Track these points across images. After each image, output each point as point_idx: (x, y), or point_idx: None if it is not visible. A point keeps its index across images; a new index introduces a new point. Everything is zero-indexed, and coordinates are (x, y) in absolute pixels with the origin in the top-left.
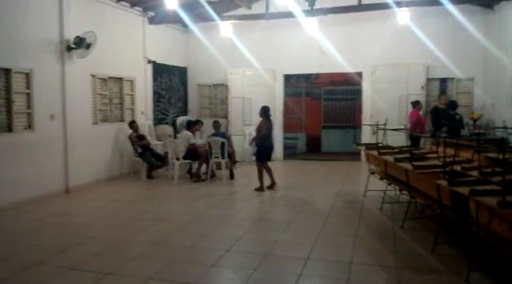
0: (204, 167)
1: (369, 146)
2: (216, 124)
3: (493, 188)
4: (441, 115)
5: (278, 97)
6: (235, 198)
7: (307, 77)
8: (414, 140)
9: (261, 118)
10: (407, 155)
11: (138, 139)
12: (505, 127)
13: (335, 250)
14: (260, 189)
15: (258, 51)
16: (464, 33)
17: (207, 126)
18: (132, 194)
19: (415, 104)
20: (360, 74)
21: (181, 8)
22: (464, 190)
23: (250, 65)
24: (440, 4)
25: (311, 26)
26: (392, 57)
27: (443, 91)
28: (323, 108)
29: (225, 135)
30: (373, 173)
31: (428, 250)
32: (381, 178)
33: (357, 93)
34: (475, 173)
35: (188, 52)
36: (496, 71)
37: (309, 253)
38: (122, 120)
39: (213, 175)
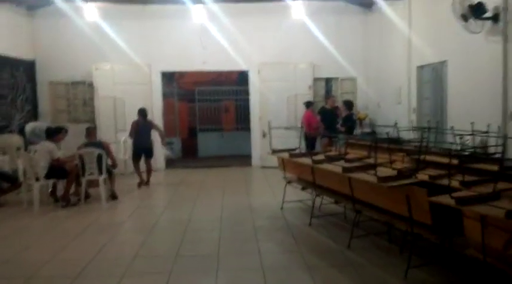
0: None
1: (293, 153)
2: (89, 132)
3: None
4: (329, 116)
5: (156, 97)
6: (129, 226)
7: (170, 77)
8: (310, 142)
9: None
10: (348, 163)
11: None
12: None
13: None
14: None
15: (130, 43)
16: (347, 33)
17: (74, 134)
18: None
19: (309, 105)
20: (246, 73)
21: None
22: (495, 211)
23: (120, 59)
24: None
25: (196, 16)
26: (279, 55)
27: (328, 91)
28: (198, 110)
29: (101, 145)
30: (289, 182)
31: (399, 277)
32: (303, 188)
33: (231, 94)
34: (446, 182)
35: (36, 42)
36: (377, 71)
37: None
38: None
39: (87, 196)
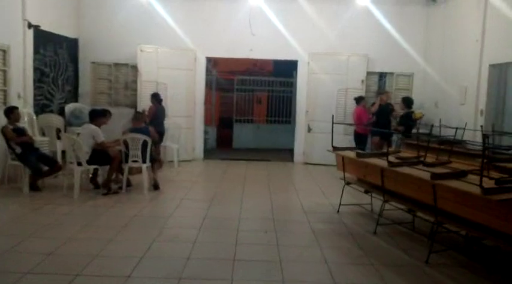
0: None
1: (361, 153)
2: (138, 117)
3: None
4: (383, 113)
5: (199, 84)
6: (176, 221)
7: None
8: (360, 140)
9: None
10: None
11: (17, 135)
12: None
13: None
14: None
15: (176, 25)
16: (407, 25)
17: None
18: (9, 219)
19: (359, 100)
20: (283, 64)
21: None
22: None
23: (165, 42)
24: None
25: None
26: (331, 45)
27: (381, 87)
28: (235, 100)
29: (147, 131)
30: (349, 183)
31: None
32: (366, 192)
33: (269, 85)
34: None
35: (80, 19)
36: (438, 68)
37: None
38: None
39: (128, 184)
